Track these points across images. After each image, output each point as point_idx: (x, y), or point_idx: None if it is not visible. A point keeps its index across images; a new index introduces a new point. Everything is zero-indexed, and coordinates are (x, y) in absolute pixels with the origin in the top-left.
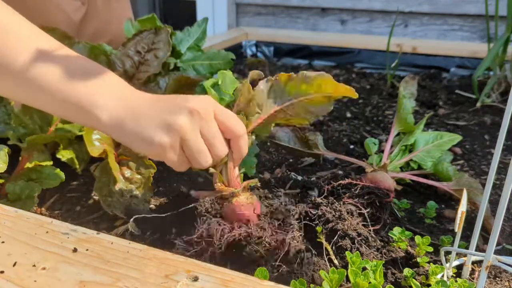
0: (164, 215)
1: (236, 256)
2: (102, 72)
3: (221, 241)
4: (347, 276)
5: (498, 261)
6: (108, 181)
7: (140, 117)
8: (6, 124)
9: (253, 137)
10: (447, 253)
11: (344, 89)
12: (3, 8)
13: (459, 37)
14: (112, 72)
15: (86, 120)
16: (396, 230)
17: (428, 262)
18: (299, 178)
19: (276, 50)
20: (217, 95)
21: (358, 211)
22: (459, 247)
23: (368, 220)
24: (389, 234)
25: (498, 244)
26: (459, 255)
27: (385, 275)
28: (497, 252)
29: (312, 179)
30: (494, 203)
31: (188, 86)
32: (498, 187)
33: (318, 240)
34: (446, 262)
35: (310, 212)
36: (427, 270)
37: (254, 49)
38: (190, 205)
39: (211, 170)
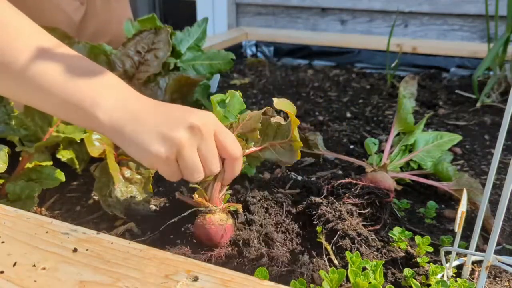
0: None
1: None
2: (103, 73)
3: None
4: (347, 276)
5: (498, 261)
6: (108, 181)
7: (140, 123)
8: (6, 124)
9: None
10: (447, 253)
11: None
12: (5, 6)
13: (459, 37)
14: (112, 73)
15: (86, 121)
16: (396, 230)
17: (428, 262)
18: (299, 178)
19: (276, 50)
20: (222, 112)
21: (358, 211)
22: (459, 247)
23: (368, 220)
24: (389, 234)
25: (498, 244)
26: (459, 255)
27: (385, 275)
28: (497, 252)
29: (312, 179)
30: (494, 203)
31: (188, 86)
32: (498, 187)
33: (318, 240)
34: (446, 262)
35: (310, 212)
36: (427, 270)
37: (254, 49)
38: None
39: (192, 185)
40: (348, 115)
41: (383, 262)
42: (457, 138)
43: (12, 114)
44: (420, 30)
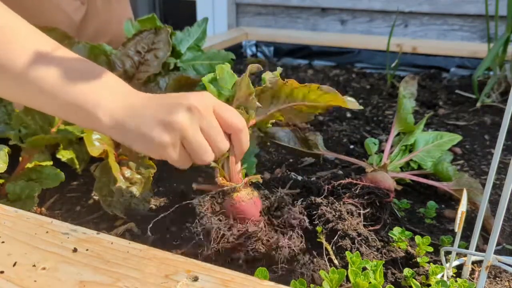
0: (163, 214)
1: (235, 254)
2: (102, 73)
3: (221, 238)
4: (347, 276)
5: (498, 261)
6: (108, 181)
7: (140, 117)
8: (6, 124)
9: (255, 133)
10: (447, 253)
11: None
12: (1, 8)
13: (459, 37)
14: (111, 73)
15: (87, 122)
16: (396, 230)
17: (428, 262)
18: (299, 178)
19: (276, 50)
20: (216, 90)
21: (358, 211)
22: (459, 247)
23: (368, 220)
24: (389, 234)
25: (498, 244)
26: (459, 255)
27: (385, 275)
28: (497, 252)
29: (312, 179)
30: (494, 203)
31: (188, 86)
32: (498, 187)
33: (318, 240)
34: (446, 262)
35: (310, 212)
36: (427, 270)
37: (254, 49)
38: (188, 201)
39: (213, 164)
40: (348, 115)
41: (383, 262)
42: (457, 138)
43: (12, 113)
44: (420, 30)
